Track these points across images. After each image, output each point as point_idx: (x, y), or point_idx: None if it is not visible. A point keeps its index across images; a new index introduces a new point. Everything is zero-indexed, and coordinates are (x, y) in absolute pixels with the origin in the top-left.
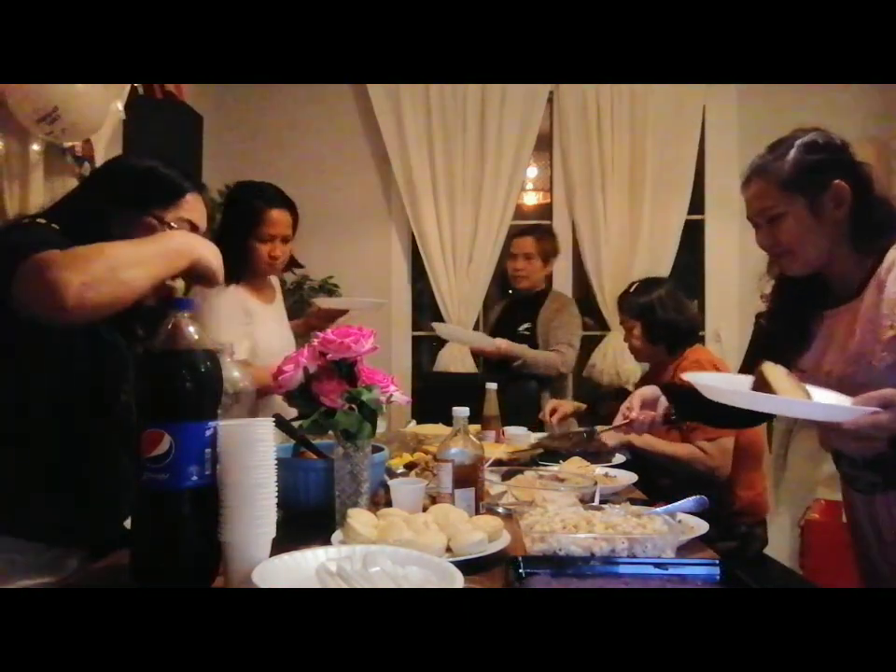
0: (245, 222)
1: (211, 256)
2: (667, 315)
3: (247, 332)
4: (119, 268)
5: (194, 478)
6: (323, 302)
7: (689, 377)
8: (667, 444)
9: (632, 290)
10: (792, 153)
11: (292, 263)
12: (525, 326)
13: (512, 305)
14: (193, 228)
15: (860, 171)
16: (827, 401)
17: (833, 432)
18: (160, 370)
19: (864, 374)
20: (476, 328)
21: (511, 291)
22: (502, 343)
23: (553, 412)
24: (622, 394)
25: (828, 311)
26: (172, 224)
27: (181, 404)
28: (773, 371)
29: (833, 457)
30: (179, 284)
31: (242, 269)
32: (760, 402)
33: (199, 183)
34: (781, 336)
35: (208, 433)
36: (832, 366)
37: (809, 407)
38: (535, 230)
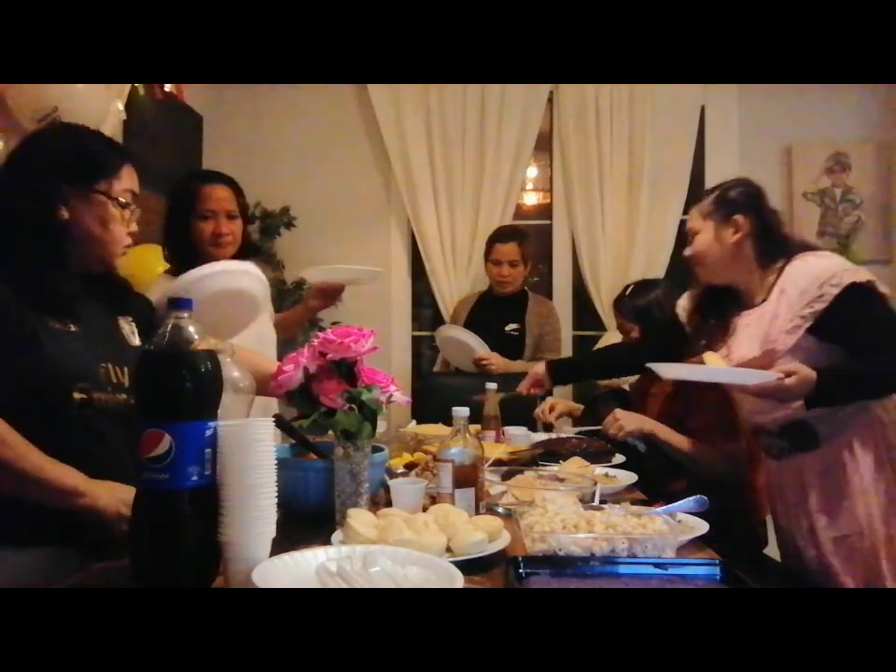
0: (181, 202)
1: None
2: (665, 316)
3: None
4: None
5: (194, 478)
6: (311, 275)
7: (652, 366)
8: (690, 441)
9: (628, 293)
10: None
11: (250, 248)
12: (513, 326)
13: (490, 305)
14: (135, 197)
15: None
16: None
17: (751, 395)
18: (159, 370)
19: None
20: None
21: (489, 292)
22: (499, 361)
23: (551, 409)
24: (619, 394)
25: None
26: (120, 199)
27: (181, 404)
28: (711, 356)
29: (754, 434)
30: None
31: (187, 252)
32: (696, 372)
33: (128, 152)
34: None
35: (208, 433)
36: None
37: (728, 373)
38: (515, 234)
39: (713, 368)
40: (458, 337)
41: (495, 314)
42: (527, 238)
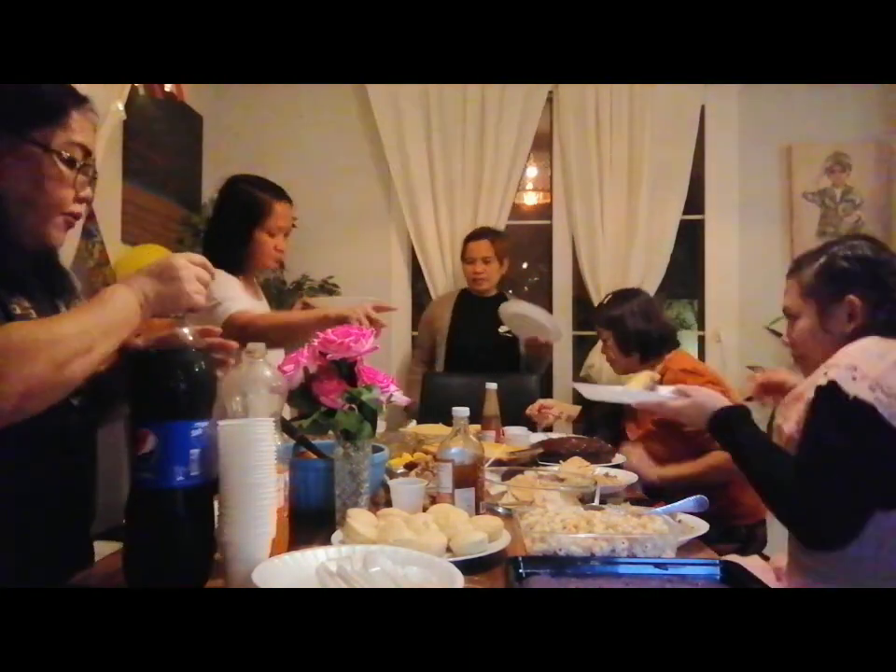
0: (253, 215)
1: (167, 290)
2: (637, 325)
3: None
4: (65, 363)
5: (179, 478)
6: (317, 302)
7: (577, 386)
8: (686, 467)
9: (605, 302)
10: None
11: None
12: (507, 328)
13: (475, 307)
14: (86, 153)
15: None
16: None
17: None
18: (143, 370)
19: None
20: None
21: (468, 292)
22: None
23: (540, 410)
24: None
25: None
26: (62, 152)
27: (165, 404)
28: (640, 375)
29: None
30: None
31: (248, 262)
32: (596, 392)
33: (82, 97)
34: None
35: (195, 433)
36: None
37: (617, 393)
38: (487, 232)
39: (601, 388)
40: (526, 314)
41: (482, 316)
42: (501, 236)
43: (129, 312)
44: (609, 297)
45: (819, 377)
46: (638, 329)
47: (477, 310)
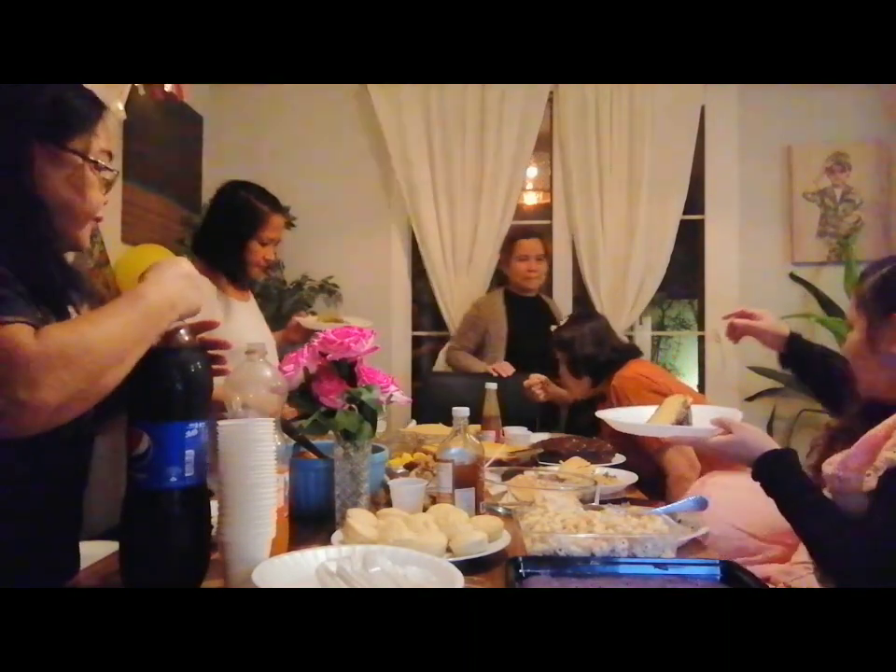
0: (249, 224)
1: (192, 294)
2: (585, 350)
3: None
4: (100, 373)
5: (173, 479)
6: (305, 322)
7: (599, 414)
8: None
9: (562, 324)
10: None
11: (274, 265)
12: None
13: (523, 308)
14: (110, 158)
15: None
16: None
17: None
18: (137, 369)
19: None
20: None
21: (509, 292)
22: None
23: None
24: (598, 399)
25: None
26: (98, 161)
27: (158, 405)
28: (670, 401)
29: None
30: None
31: (237, 269)
32: (621, 423)
33: (104, 104)
34: None
35: (190, 434)
36: None
37: (647, 428)
38: (534, 231)
39: (631, 423)
40: None
41: (534, 316)
42: (545, 236)
43: (160, 317)
44: (568, 318)
45: (892, 447)
46: (587, 354)
47: (526, 310)
